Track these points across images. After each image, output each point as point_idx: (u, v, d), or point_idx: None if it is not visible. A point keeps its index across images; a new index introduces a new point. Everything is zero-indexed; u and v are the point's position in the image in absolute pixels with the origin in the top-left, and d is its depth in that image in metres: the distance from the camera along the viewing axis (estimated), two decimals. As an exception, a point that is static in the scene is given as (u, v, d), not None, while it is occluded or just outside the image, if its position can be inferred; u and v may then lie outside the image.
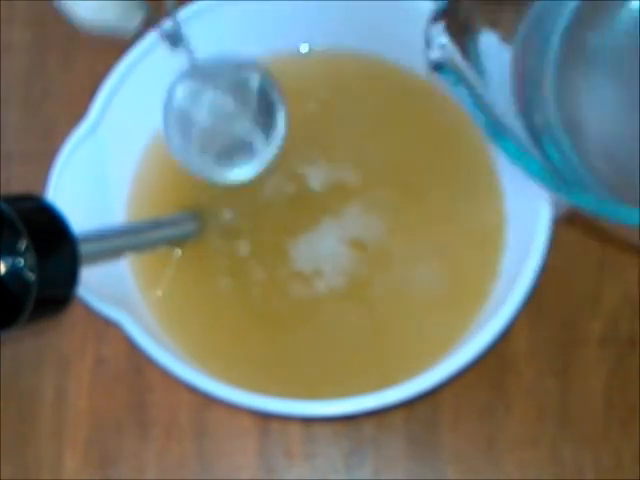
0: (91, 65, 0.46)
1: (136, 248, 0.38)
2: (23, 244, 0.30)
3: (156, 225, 0.39)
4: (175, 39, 0.38)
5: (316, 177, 0.41)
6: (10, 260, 0.30)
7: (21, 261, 0.30)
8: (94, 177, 0.38)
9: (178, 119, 0.39)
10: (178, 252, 0.39)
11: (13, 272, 0.30)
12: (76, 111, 0.38)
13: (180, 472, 0.40)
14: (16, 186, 0.44)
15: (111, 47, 0.46)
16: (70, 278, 0.31)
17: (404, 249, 0.40)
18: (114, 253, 0.36)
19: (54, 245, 0.30)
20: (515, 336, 0.40)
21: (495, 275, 0.38)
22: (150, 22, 0.42)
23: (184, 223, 0.39)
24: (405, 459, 0.40)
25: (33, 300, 0.29)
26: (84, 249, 0.31)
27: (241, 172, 0.40)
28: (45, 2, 0.48)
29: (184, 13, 0.39)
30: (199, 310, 0.39)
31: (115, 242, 0.36)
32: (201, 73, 0.38)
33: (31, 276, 0.30)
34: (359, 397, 0.34)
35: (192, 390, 0.35)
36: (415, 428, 0.40)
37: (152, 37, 0.39)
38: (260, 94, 0.39)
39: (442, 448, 0.40)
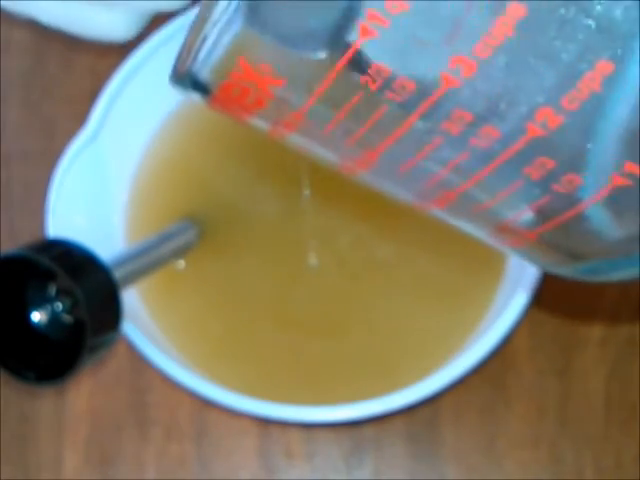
0: (91, 65, 0.46)
1: (150, 268, 0.36)
2: (54, 289, 0.30)
3: (162, 239, 0.37)
4: None
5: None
6: (49, 307, 0.30)
7: (59, 305, 0.30)
8: (94, 182, 0.38)
9: None
10: (182, 263, 0.39)
11: (54, 320, 0.30)
12: (76, 111, 0.38)
13: (180, 472, 0.40)
14: (16, 186, 0.44)
15: (111, 47, 0.46)
16: (113, 305, 0.30)
17: (405, 254, 0.40)
18: (134, 278, 0.34)
19: (89, 278, 0.29)
20: (515, 335, 0.40)
21: (499, 277, 0.38)
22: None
23: (186, 232, 0.39)
24: (405, 459, 0.40)
25: (88, 335, 0.28)
26: (117, 275, 0.31)
27: None
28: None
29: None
30: (200, 315, 0.39)
31: (133, 266, 0.34)
32: None
33: (77, 316, 0.29)
34: (362, 403, 0.34)
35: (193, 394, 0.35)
36: (415, 428, 0.40)
37: (154, 41, 0.39)
38: None
39: (442, 447, 0.40)
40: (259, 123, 0.22)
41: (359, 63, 0.19)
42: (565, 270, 0.23)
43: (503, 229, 0.22)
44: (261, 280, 0.39)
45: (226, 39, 0.19)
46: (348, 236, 0.40)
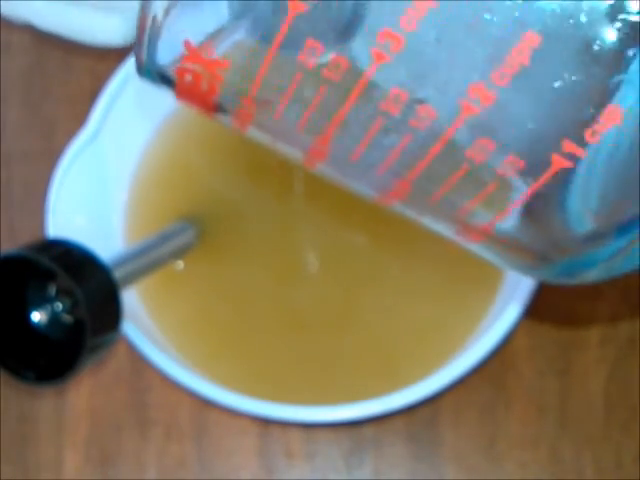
0: (91, 65, 0.46)
1: (150, 268, 0.36)
2: (53, 289, 0.30)
3: (161, 239, 0.37)
4: None
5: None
6: (49, 307, 0.30)
7: (59, 305, 0.30)
8: (94, 182, 0.38)
9: None
10: (180, 264, 0.39)
11: (54, 320, 0.30)
12: (76, 111, 0.38)
13: (180, 472, 0.40)
14: (16, 186, 0.44)
15: (111, 49, 0.46)
16: (113, 305, 0.30)
17: (406, 255, 0.40)
18: (134, 278, 0.34)
19: (89, 278, 0.29)
20: (516, 335, 0.40)
21: (499, 277, 0.38)
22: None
23: (185, 232, 0.39)
24: (405, 459, 0.40)
25: (88, 335, 0.28)
26: (117, 275, 0.30)
27: None
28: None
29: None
30: (200, 315, 0.39)
31: (133, 266, 0.34)
32: None
33: (77, 316, 0.29)
34: (362, 403, 0.34)
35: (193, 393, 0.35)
36: (415, 428, 0.40)
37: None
38: None
39: (442, 448, 0.40)
40: (221, 118, 0.22)
41: (295, 42, 0.19)
42: (540, 273, 0.23)
43: (462, 224, 0.22)
44: (260, 280, 0.39)
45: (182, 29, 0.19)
46: (348, 237, 0.40)
